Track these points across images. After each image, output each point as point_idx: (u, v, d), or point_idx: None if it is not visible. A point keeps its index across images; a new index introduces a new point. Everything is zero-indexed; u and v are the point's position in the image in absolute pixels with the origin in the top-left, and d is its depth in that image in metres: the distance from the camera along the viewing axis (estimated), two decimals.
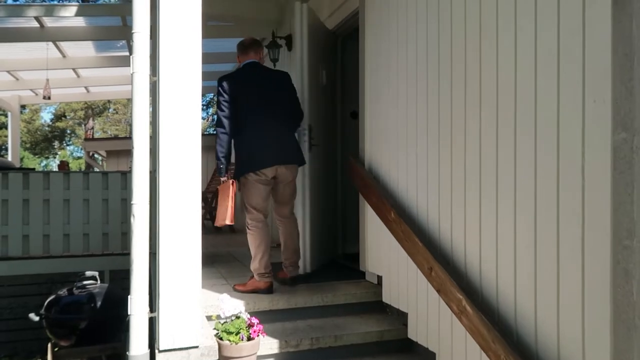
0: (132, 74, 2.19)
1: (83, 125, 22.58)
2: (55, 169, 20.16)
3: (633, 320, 1.49)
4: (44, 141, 23.25)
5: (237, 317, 2.52)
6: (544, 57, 1.91)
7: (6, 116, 13.51)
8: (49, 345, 4.58)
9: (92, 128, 22.36)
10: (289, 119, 3.52)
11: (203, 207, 7.94)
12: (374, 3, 3.42)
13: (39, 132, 22.81)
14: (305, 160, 3.60)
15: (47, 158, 25.23)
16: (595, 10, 1.67)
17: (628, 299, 1.51)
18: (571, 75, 1.78)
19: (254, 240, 3.39)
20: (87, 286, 4.65)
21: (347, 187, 4.44)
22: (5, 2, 17.43)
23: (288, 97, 3.51)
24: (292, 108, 3.54)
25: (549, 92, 1.88)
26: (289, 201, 3.54)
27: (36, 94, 9.64)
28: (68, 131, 23.56)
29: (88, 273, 4.79)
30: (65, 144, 24.97)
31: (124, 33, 5.99)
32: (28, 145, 23.06)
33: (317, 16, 4.17)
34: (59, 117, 22.68)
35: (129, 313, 2.23)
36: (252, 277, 3.38)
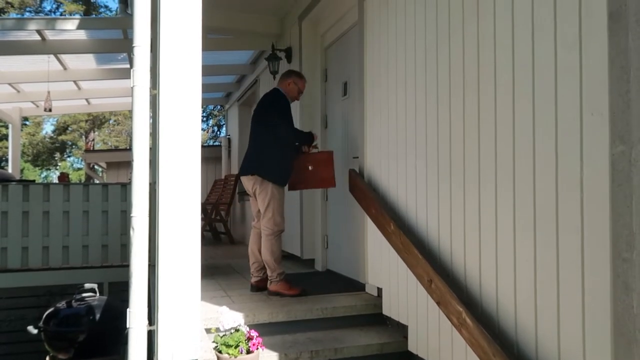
0: (132, 87, 2.20)
1: (84, 136, 22.64)
2: (56, 180, 20.18)
3: (634, 334, 1.48)
4: (46, 153, 23.28)
5: (237, 330, 2.51)
6: (541, 70, 1.92)
7: (7, 128, 13.55)
8: (47, 358, 4.55)
9: (93, 140, 22.42)
10: (265, 136, 3.71)
11: (203, 219, 7.93)
12: (373, 18, 3.45)
13: (40, 144, 22.84)
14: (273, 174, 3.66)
15: (48, 170, 25.25)
16: (591, 23, 1.69)
17: (628, 312, 1.50)
18: (568, 88, 1.79)
19: None
20: (86, 298, 4.62)
21: None
22: (8, 15, 17.60)
23: (263, 115, 3.76)
24: (264, 126, 3.72)
25: (546, 104, 1.89)
26: (260, 213, 3.71)
27: (37, 106, 9.67)
28: (69, 143, 23.61)
29: (87, 285, 4.76)
30: (66, 156, 25.01)
31: (125, 46, 6.02)
32: (30, 158, 23.09)
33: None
34: (61, 129, 22.73)
35: (127, 326, 2.22)
36: None
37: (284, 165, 3.69)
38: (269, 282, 3.66)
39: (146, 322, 2.24)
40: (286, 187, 3.82)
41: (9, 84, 8.00)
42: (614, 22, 1.58)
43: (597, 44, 1.66)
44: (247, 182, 3.72)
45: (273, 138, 3.67)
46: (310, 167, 3.80)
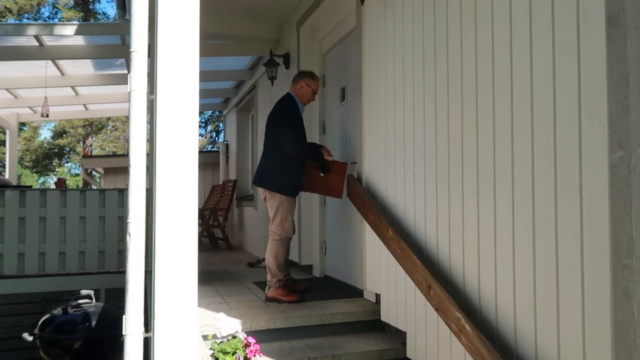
0: (129, 92, 2.19)
1: (82, 142, 22.61)
2: (53, 186, 20.13)
3: (634, 341, 1.47)
4: (44, 159, 23.23)
5: (234, 337, 2.49)
6: (539, 75, 1.92)
7: (4, 133, 13.53)
8: None
9: (91, 145, 22.38)
10: (274, 146, 3.73)
11: (200, 225, 7.91)
12: (372, 24, 3.46)
13: (39, 150, 22.80)
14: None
15: (47, 175, 25.19)
16: (589, 29, 1.69)
17: (629, 319, 1.49)
18: (567, 94, 1.78)
19: None
20: (82, 305, 4.59)
21: None
22: (6, 21, 17.61)
23: (272, 123, 3.76)
24: (272, 133, 3.75)
25: (545, 110, 1.89)
26: (269, 219, 3.74)
27: (35, 112, 9.66)
28: (66, 149, 23.56)
29: (83, 292, 4.73)
30: (64, 161, 24.96)
31: (123, 51, 6.02)
32: (30, 164, 23.03)
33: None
34: (58, 134, 22.70)
35: (123, 333, 2.20)
36: None
37: (292, 177, 3.68)
38: (267, 287, 3.67)
39: (142, 329, 2.22)
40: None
41: (7, 90, 7.99)
42: (613, 28, 1.58)
43: (595, 49, 1.66)
44: (260, 191, 3.81)
45: (280, 150, 3.66)
46: (322, 174, 3.76)
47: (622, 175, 1.53)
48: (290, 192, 3.68)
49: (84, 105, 9.53)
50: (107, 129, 23.75)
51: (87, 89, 8.37)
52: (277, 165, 3.66)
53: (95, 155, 20.14)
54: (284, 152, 3.62)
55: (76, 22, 6.09)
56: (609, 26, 1.60)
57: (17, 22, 18.54)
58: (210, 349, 2.50)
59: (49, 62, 6.62)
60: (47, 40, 5.90)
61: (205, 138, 22.72)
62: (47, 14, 20.57)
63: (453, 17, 2.50)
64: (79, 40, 6.00)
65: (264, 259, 5.58)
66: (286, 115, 3.69)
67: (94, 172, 12.72)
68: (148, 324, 2.37)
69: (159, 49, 2.22)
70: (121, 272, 5.49)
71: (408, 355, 2.87)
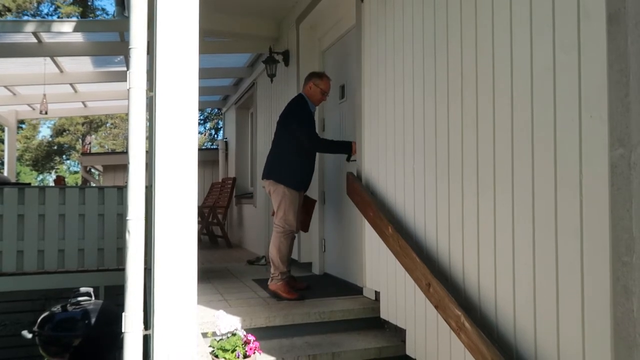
0: (128, 90, 2.18)
1: (81, 139, 22.57)
2: (52, 183, 20.10)
3: (634, 338, 1.47)
4: (45, 157, 23.20)
5: (233, 334, 2.49)
6: (539, 73, 1.92)
7: (3, 131, 13.49)
8: None
9: (90, 143, 22.35)
10: (282, 142, 3.84)
11: (199, 222, 7.90)
12: (371, 21, 3.45)
13: (39, 148, 22.76)
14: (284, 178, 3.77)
15: (49, 173, 25.16)
16: (590, 27, 1.69)
17: (628, 316, 1.49)
18: (567, 91, 1.78)
19: None
20: (82, 302, 4.58)
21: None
22: (5, 18, 17.56)
23: (282, 122, 3.87)
24: (283, 133, 3.85)
25: (545, 108, 1.89)
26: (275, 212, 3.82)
27: (33, 109, 9.64)
28: (66, 146, 23.52)
29: (83, 289, 4.73)
30: (64, 159, 24.93)
31: (122, 48, 6.02)
32: (30, 162, 22.98)
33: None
34: (58, 132, 22.65)
35: (123, 330, 2.20)
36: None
37: (296, 171, 3.77)
38: (270, 279, 3.72)
39: (142, 326, 2.22)
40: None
41: (5, 87, 7.97)
42: (613, 25, 1.58)
43: (595, 47, 1.66)
44: (265, 185, 3.89)
45: (286, 144, 3.80)
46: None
47: (622, 172, 1.53)
48: (292, 185, 3.74)
49: (83, 102, 9.52)
50: (106, 127, 23.72)
51: (86, 86, 8.36)
52: (283, 158, 3.78)
53: (94, 152, 20.12)
54: (300, 149, 3.74)
55: (75, 19, 6.09)
56: (609, 23, 1.59)
57: (15, 19, 18.49)
58: (210, 346, 2.50)
59: (48, 59, 6.61)
60: (46, 37, 5.88)
61: (205, 136, 22.70)
62: (46, 10, 20.53)
63: (453, 14, 2.49)
64: (78, 37, 5.99)
65: (263, 257, 5.61)
66: (298, 114, 3.79)
67: (93, 170, 12.71)
68: (147, 322, 2.37)
69: (158, 46, 2.21)
70: (120, 269, 5.49)
71: (407, 353, 2.87)
